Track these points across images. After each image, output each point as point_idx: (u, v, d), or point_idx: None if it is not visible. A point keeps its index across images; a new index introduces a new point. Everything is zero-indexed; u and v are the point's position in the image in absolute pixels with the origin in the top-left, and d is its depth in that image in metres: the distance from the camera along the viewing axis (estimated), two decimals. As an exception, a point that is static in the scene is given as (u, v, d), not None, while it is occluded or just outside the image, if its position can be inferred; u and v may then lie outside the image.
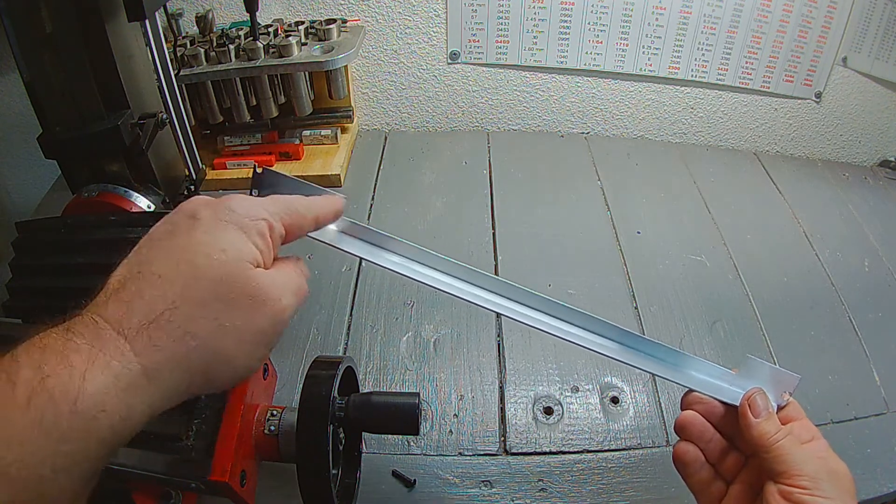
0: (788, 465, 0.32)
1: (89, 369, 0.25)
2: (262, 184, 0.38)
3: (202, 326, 0.27)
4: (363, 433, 0.46)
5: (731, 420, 0.36)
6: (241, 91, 0.82)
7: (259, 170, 0.38)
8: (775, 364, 0.37)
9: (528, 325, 0.37)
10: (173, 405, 0.27)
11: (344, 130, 0.93)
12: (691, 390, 0.37)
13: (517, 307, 0.37)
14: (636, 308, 0.68)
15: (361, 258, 0.38)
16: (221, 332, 0.28)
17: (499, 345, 0.64)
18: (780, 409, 0.36)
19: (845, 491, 0.32)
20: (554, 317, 0.38)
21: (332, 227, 0.38)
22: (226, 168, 0.86)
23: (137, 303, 0.27)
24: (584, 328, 0.38)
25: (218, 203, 0.31)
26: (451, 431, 0.56)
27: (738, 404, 0.36)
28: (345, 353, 0.62)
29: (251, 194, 0.38)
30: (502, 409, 0.58)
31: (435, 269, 0.38)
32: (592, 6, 0.88)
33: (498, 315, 0.65)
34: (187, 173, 0.63)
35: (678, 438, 0.38)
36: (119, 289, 0.28)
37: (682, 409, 0.38)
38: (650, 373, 0.37)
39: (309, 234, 0.36)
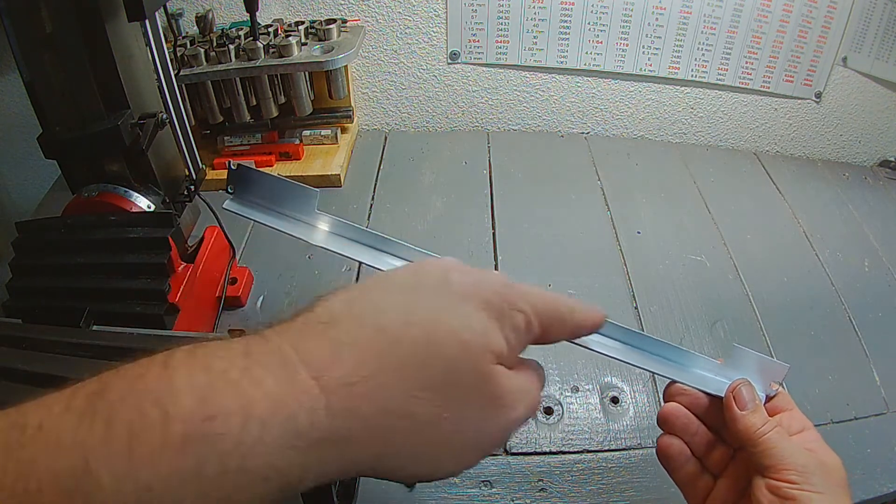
0: (776, 458, 0.31)
1: (270, 418, 0.20)
2: (237, 180, 0.37)
3: (419, 409, 0.22)
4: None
5: (717, 412, 0.35)
6: (241, 91, 0.82)
7: (234, 166, 0.37)
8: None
9: None
10: (336, 479, 0.22)
11: (344, 130, 0.93)
12: (674, 381, 0.36)
13: None
14: (636, 308, 0.68)
15: (355, 260, 0.37)
16: (438, 422, 0.23)
17: (499, 345, 0.64)
18: (768, 399, 0.35)
19: (836, 484, 0.30)
20: None
21: (325, 227, 0.37)
22: (226, 168, 0.86)
23: (348, 352, 0.22)
24: None
25: (474, 274, 0.26)
26: (451, 431, 0.55)
27: (723, 396, 0.34)
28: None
29: (227, 191, 0.37)
30: (502, 409, 0.58)
31: None
32: (592, 6, 0.88)
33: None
34: (187, 173, 0.63)
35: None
36: (328, 323, 0.23)
37: (665, 401, 0.36)
38: (627, 363, 0.35)
39: (296, 236, 0.35)
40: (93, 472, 0.18)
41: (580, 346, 0.33)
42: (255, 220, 0.37)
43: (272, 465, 0.20)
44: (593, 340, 0.34)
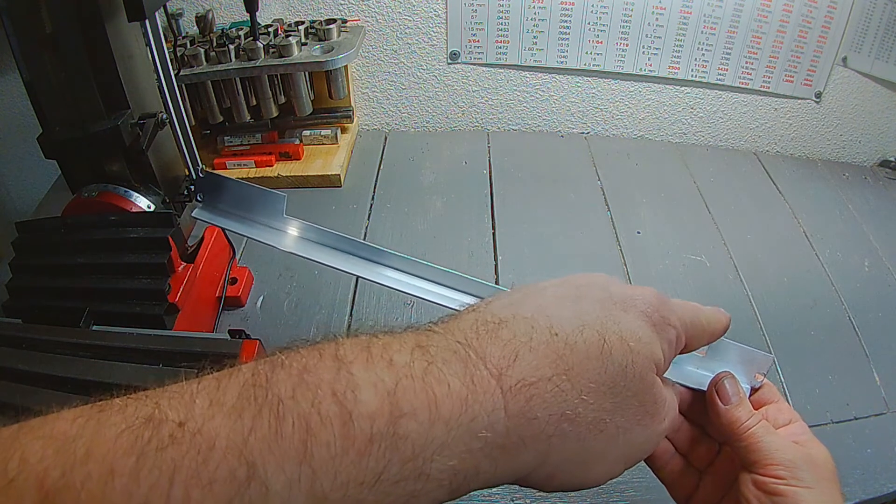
0: (762, 453, 0.30)
1: (455, 420, 0.18)
2: (205, 188, 0.37)
3: (585, 413, 0.22)
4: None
5: (700, 406, 0.34)
6: (241, 91, 0.82)
7: (202, 174, 0.37)
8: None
9: None
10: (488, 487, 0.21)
11: (344, 130, 0.93)
12: None
13: None
14: (636, 308, 0.68)
15: (325, 265, 0.37)
16: (599, 428, 0.23)
17: (499, 345, 0.63)
18: (753, 391, 0.34)
19: (825, 478, 0.29)
20: None
21: (295, 232, 0.37)
22: (226, 168, 0.86)
23: (525, 353, 0.21)
24: None
25: (631, 288, 0.27)
26: (451, 431, 0.55)
27: (705, 390, 0.33)
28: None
29: (196, 199, 0.37)
30: (502, 409, 0.57)
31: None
32: (592, 6, 0.88)
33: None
34: (187, 173, 0.63)
35: None
36: (498, 324, 0.22)
37: None
38: None
39: (265, 242, 0.35)
40: (259, 476, 0.15)
41: None
42: (225, 228, 0.37)
43: (451, 470, 0.18)
44: None
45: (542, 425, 0.21)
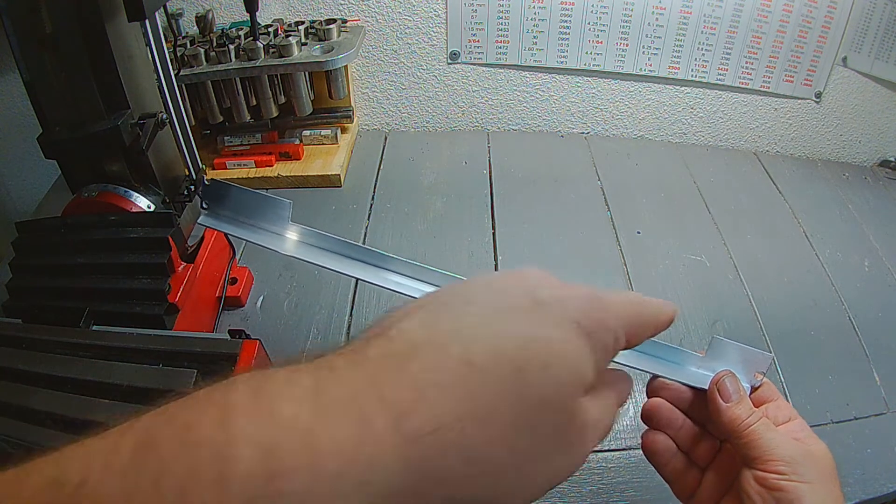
0: (762, 450, 0.30)
1: (340, 476, 0.18)
2: (211, 195, 0.37)
3: (498, 454, 0.20)
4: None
5: (701, 405, 0.34)
6: (241, 91, 0.82)
7: (207, 182, 0.37)
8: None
9: None
10: None
11: (344, 130, 0.93)
12: (656, 376, 0.35)
13: None
14: (636, 308, 0.68)
15: (330, 269, 0.37)
16: (515, 466, 0.21)
17: (499, 345, 0.63)
18: (753, 390, 0.35)
19: (825, 473, 0.30)
20: None
21: (300, 238, 0.37)
22: (226, 168, 0.86)
23: (432, 394, 0.20)
24: None
25: (562, 290, 0.25)
26: (451, 431, 0.55)
27: (706, 388, 0.34)
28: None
29: (201, 207, 0.37)
30: (502, 409, 0.57)
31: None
32: (592, 6, 0.88)
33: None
34: (187, 173, 0.63)
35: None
36: (408, 354, 0.21)
37: (648, 397, 0.36)
38: None
39: (271, 248, 0.35)
40: None
41: None
42: (231, 234, 0.37)
43: None
44: None
45: (446, 472, 0.20)
